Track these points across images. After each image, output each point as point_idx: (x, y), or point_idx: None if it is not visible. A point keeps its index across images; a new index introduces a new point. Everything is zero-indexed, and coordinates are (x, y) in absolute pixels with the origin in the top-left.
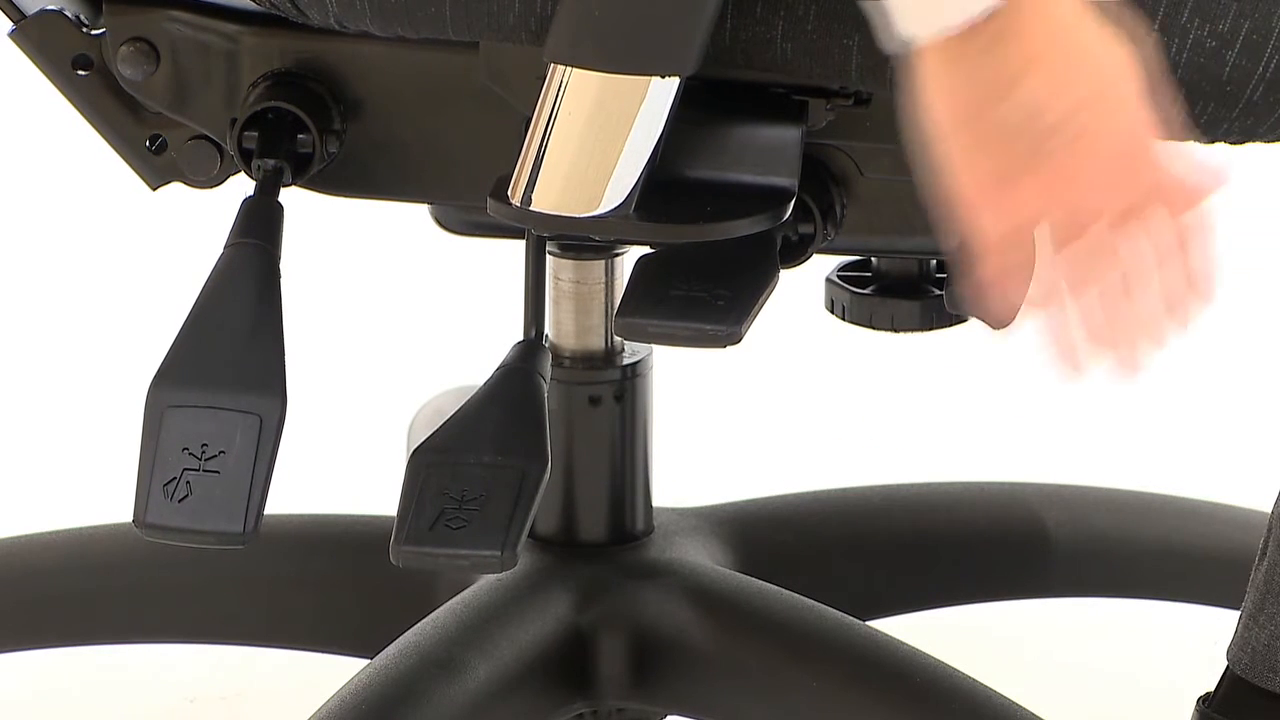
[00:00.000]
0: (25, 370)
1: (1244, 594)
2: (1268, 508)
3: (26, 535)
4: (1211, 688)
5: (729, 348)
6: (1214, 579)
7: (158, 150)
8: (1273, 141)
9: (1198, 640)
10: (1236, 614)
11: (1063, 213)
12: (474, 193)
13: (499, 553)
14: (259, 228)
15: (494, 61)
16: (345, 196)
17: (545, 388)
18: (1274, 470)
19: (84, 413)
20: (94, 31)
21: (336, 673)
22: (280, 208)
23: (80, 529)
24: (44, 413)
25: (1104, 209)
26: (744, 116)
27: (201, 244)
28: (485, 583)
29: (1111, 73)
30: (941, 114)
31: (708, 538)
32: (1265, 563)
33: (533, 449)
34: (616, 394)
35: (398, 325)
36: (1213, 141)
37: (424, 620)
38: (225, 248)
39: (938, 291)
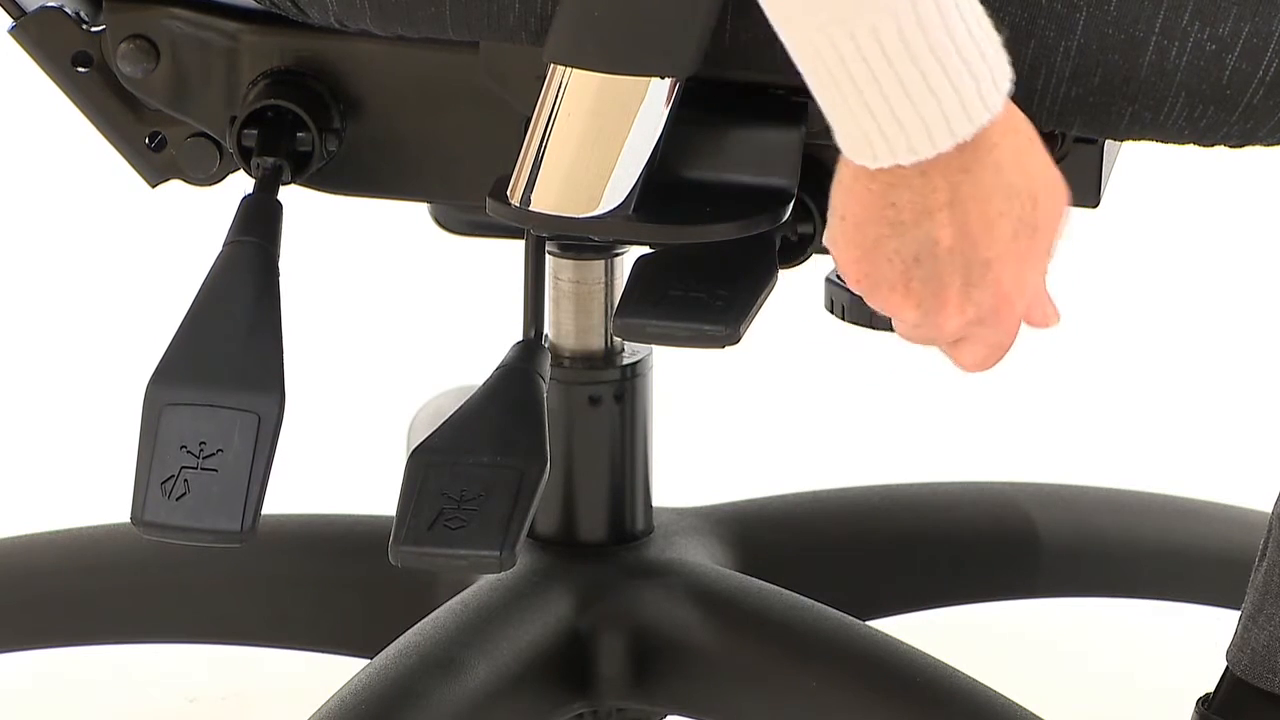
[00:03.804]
0: (24, 369)
1: (1244, 594)
2: (1268, 508)
3: (26, 535)
4: (1211, 688)
5: (728, 348)
6: (1214, 579)
7: (157, 148)
8: (1272, 145)
9: (1198, 640)
10: (1236, 614)
11: (912, 323)
12: (473, 192)
13: (497, 553)
14: (258, 226)
15: (494, 61)
16: (344, 195)
17: (545, 388)
18: (1274, 470)
19: (83, 412)
20: (94, 29)
21: (336, 673)
22: (279, 206)
23: (80, 529)
24: (44, 412)
25: (952, 330)
26: (743, 118)
27: (200, 242)
28: (485, 583)
29: (1007, 240)
30: (839, 201)
31: (708, 538)
32: (1265, 563)
33: (532, 449)
34: (616, 394)
35: (398, 325)
36: (1212, 145)
37: (424, 620)
38: (224, 246)
39: None
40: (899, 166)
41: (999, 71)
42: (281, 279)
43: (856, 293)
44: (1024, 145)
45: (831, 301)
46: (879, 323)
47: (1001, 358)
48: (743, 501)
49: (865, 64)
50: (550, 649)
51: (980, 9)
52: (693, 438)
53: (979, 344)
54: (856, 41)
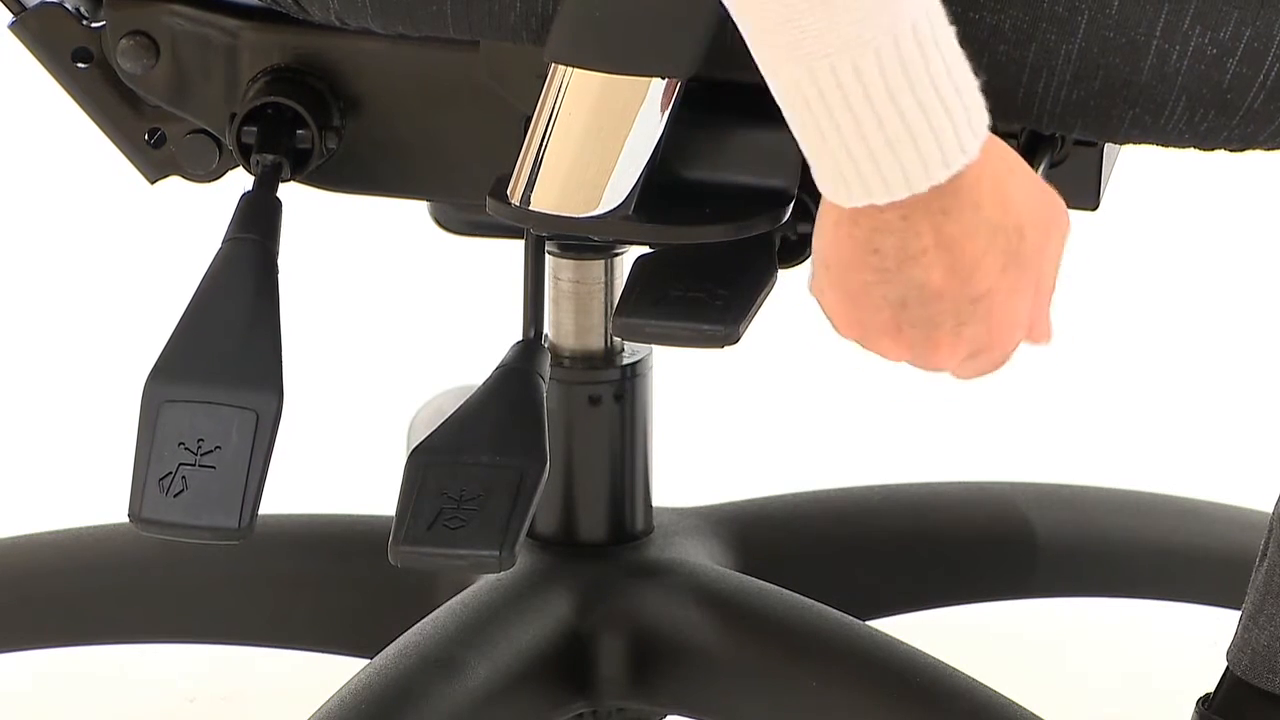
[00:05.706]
0: (24, 368)
1: (1244, 594)
2: (1268, 508)
3: (26, 535)
4: (1211, 688)
5: (727, 348)
6: (1214, 579)
7: (156, 144)
8: (1272, 149)
9: (1198, 640)
10: (1236, 614)
11: (908, 361)
12: (473, 192)
13: (497, 553)
14: (257, 223)
15: (494, 60)
16: (344, 192)
17: (544, 388)
18: (1274, 470)
19: (83, 411)
20: (94, 24)
21: (336, 673)
22: (279, 203)
23: (80, 529)
24: (44, 411)
25: (948, 368)
26: (744, 118)
27: (199, 239)
28: (485, 583)
29: (995, 276)
30: (822, 249)
31: (708, 538)
32: (1265, 563)
33: (532, 449)
34: (616, 394)
35: (398, 325)
36: (1212, 149)
37: (424, 620)
38: (223, 243)
39: None
40: (879, 211)
41: (976, 115)
42: (281, 277)
43: (849, 340)
44: (1004, 178)
45: None
46: None
47: (998, 368)
48: (743, 501)
49: (845, 101)
50: (550, 649)
51: (959, 52)
52: (693, 438)
53: (974, 366)
54: (838, 77)
